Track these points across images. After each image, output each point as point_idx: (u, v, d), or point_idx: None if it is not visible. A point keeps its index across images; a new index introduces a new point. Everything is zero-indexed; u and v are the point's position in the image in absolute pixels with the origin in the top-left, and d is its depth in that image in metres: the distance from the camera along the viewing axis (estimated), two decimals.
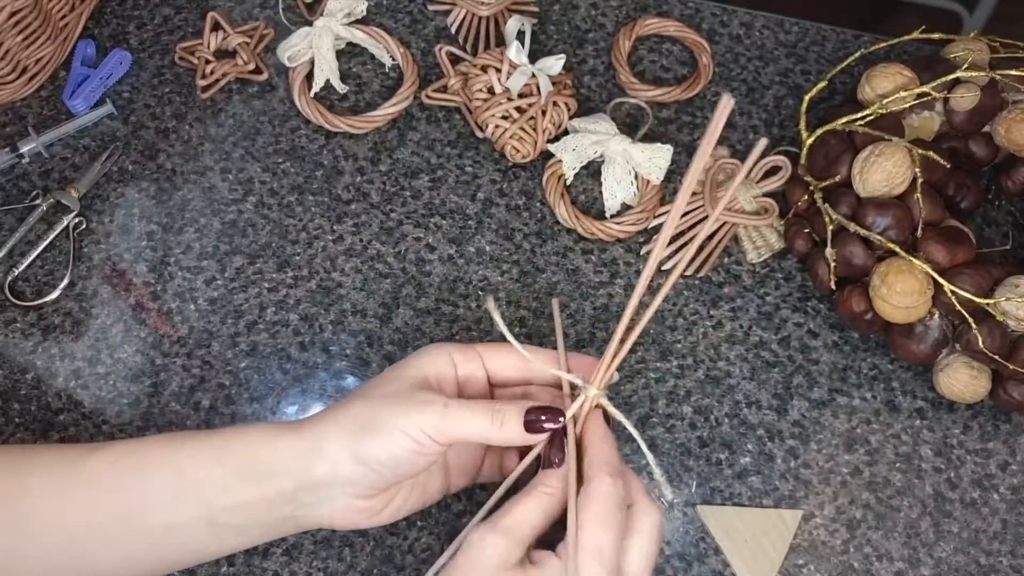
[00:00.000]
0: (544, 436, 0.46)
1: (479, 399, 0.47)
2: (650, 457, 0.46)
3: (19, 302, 0.62)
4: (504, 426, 0.46)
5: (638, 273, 0.65)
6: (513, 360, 0.50)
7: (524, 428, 0.46)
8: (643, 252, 0.66)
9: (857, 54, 0.68)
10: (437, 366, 0.49)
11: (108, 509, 0.47)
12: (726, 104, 0.39)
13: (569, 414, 0.46)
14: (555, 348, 0.50)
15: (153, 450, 0.48)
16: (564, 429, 0.46)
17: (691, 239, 0.66)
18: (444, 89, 0.71)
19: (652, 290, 0.64)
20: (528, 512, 0.44)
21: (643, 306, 0.46)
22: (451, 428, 0.45)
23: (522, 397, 0.50)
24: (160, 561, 0.48)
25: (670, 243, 0.66)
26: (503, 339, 0.48)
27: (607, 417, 0.47)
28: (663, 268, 0.65)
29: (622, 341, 0.46)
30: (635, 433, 0.46)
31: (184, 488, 0.47)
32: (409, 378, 0.48)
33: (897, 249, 0.58)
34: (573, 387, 0.48)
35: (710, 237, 0.66)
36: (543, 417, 0.46)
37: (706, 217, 0.66)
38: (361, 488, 0.47)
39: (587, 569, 0.41)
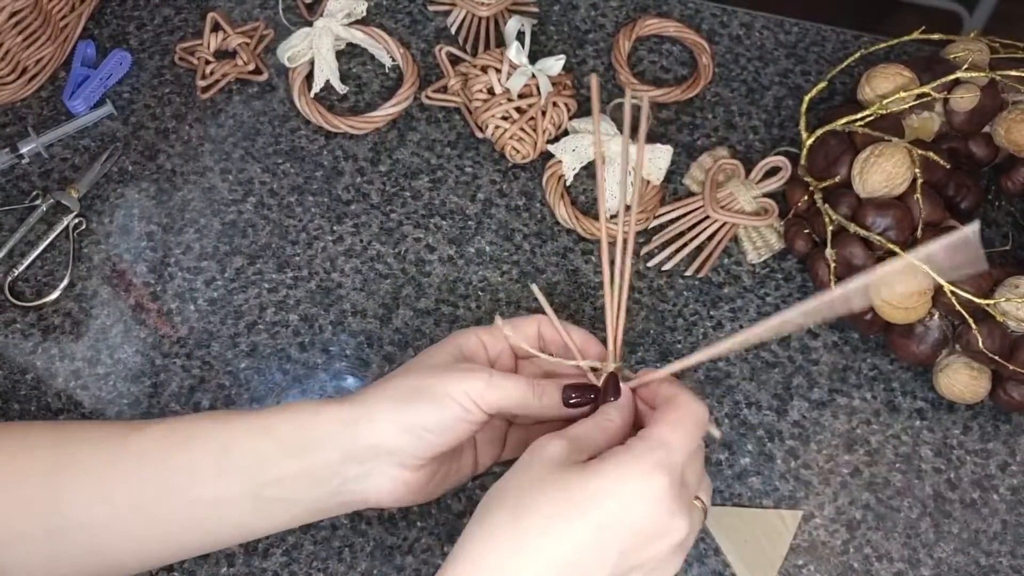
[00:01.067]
0: (580, 410, 0.47)
1: (520, 375, 0.49)
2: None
3: (19, 302, 0.62)
4: (544, 397, 0.47)
5: (638, 273, 0.65)
6: (532, 333, 0.51)
7: (564, 404, 0.47)
8: (643, 252, 0.66)
9: (857, 54, 0.68)
10: (470, 345, 0.50)
11: (153, 484, 0.47)
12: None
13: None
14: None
15: (200, 426, 0.48)
16: (615, 381, 0.47)
17: (687, 238, 0.66)
18: (444, 90, 0.71)
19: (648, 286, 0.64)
20: (590, 429, 0.44)
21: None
22: (496, 396, 0.46)
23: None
24: (204, 539, 0.49)
25: (667, 244, 0.66)
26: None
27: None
28: (663, 268, 0.65)
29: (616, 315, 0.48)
30: (664, 371, 0.47)
31: (230, 462, 0.47)
32: (448, 354, 0.49)
33: (897, 249, 0.58)
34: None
35: (710, 237, 0.66)
36: (580, 393, 0.48)
37: (706, 217, 0.66)
38: (407, 457, 0.47)
39: (652, 456, 0.41)
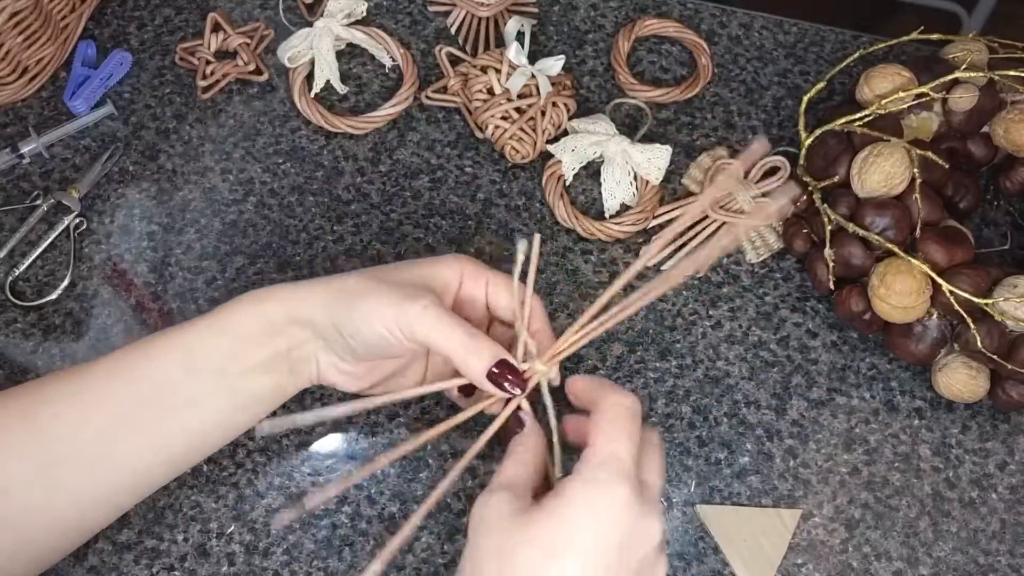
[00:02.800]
0: (496, 394, 0.46)
1: (463, 320, 0.47)
2: (556, 440, 0.46)
3: (20, 302, 0.63)
4: (469, 359, 0.46)
5: (637, 274, 0.65)
6: (509, 297, 0.50)
7: (486, 375, 0.46)
8: (642, 252, 0.66)
9: (856, 55, 0.68)
10: (446, 278, 0.50)
11: (127, 397, 0.48)
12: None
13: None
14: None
15: (158, 339, 0.50)
16: (516, 417, 0.47)
17: (687, 240, 0.66)
18: (444, 90, 0.71)
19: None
20: (516, 470, 0.44)
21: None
22: (421, 332, 0.46)
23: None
24: (191, 443, 0.50)
25: (665, 245, 0.66)
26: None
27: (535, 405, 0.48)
28: (662, 268, 0.66)
29: (584, 326, 0.47)
30: (552, 420, 0.46)
31: (195, 363, 0.48)
32: (414, 276, 0.49)
33: (896, 249, 0.58)
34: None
35: (709, 237, 0.66)
36: (508, 377, 0.46)
37: (705, 217, 0.66)
38: (339, 352, 0.49)
39: (604, 472, 0.41)
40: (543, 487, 0.44)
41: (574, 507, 0.40)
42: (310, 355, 0.50)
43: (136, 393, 0.48)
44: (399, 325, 0.46)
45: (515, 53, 0.67)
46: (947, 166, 0.61)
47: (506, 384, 0.46)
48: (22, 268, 0.64)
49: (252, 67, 0.71)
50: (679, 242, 0.66)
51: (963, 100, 0.63)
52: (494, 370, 0.46)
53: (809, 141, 0.64)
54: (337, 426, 0.59)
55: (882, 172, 0.59)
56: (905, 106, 0.62)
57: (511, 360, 0.46)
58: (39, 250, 0.64)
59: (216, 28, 0.71)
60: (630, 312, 0.47)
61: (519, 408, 0.47)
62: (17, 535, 0.47)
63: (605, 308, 0.47)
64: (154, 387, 0.48)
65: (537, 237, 0.47)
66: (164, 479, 0.51)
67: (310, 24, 0.71)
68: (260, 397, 0.51)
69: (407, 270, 0.50)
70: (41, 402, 0.48)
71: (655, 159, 0.66)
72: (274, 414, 0.52)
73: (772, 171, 0.68)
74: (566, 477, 0.42)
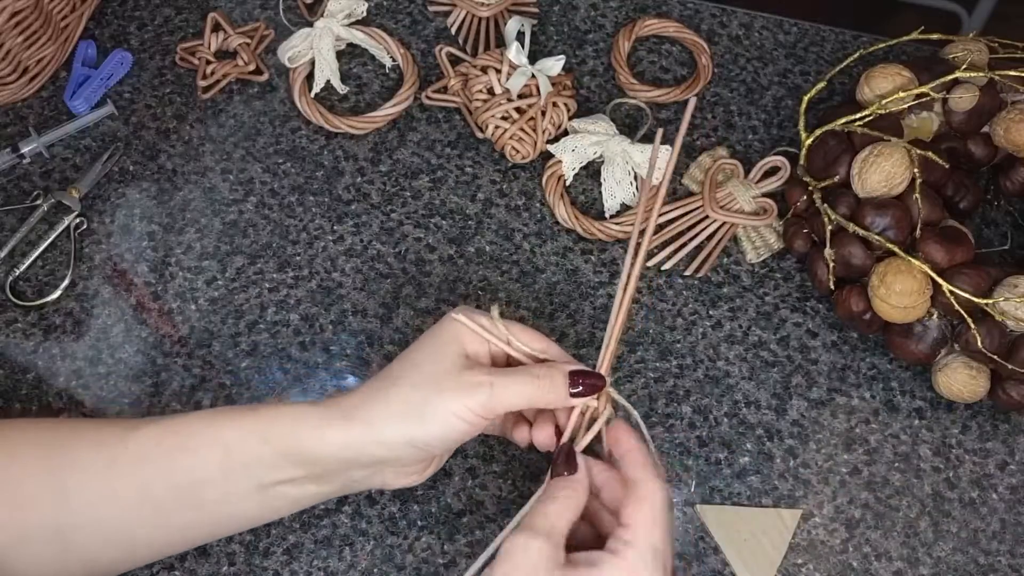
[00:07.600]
0: (586, 399, 0.48)
1: (519, 368, 0.49)
2: (650, 444, 0.48)
3: (20, 302, 0.63)
4: (550, 392, 0.48)
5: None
6: (534, 340, 0.51)
7: (569, 392, 0.48)
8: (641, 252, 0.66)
9: (856, 55, 0.68)
10: (473, 344, 0.50)
11: (160, 485, 0.48)
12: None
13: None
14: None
15: (197, 427, 0.48)
16: (571, 455, 0.47)
17: (685, 238, 0.66)
18: (444, 90, 0.71)
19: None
20: (558, 515, 0.44)
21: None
22: (500, 404, 0.47)
23: None
24: (213, 531, 0.51)
25: (666, 245, 0.66)
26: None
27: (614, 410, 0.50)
28: (662, 268, 0.66)
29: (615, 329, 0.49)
30: (639, 420, 0.49)
31: (233, 465, 0.48)
32: (452, 355, 0.49)
33: (896, 249, 0.58)
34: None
35: (709, 237, 0.66)
36: (587, 381, 0.48)
37: (706, 217, 0.66)
38: (413, 462, 0.50)
39: (645, 567, 0.42)
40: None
41: None
42: (376, 472, 0.50)
43: (169, 483, 0.48)
44: (478, 413, 0.47)
45: (515, 53, 0.67)
46: (947, 166, 0.61)
47: (588, 389, 0.48)
48: (22, 268, 0.64)
49: (252, 67, 0.71)
50: (680, 242, 0.66)
51: (963, 100, 0.63)
52: (575, 387, 0.48)
53: (809, 141, 0.64)
54: None
55: (882, 172, 0.59)
56: (905, 106, 0.62)
57: (576, 367, 0.49)
58: (39, 250, 0.64)
59: (216, 28, 0.71)
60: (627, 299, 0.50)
61: (572, 451, 0.48)
62: None
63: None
64: (189, 482, 0.48)
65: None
66: (178, 551, 0.52)
67: (310, 24, 0.71)
68: (296, 503, 0.50)
69: (441, 350, 0.49)
70: (70, 465, 0.47)
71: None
72: None
73: (772, 171, 0.68)
74: (602, 552, 0.43)
